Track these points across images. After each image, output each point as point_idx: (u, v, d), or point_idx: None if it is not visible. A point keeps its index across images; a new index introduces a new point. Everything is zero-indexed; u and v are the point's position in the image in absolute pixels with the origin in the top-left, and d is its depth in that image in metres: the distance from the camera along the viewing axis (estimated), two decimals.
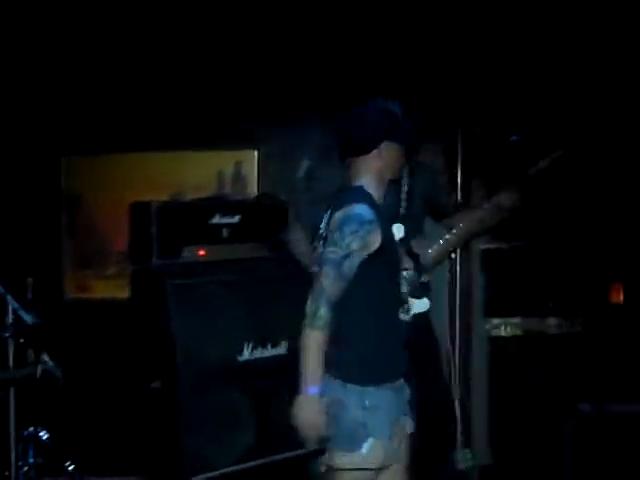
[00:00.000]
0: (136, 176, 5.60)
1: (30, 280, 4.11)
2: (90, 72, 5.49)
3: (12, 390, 3.62)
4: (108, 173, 5.64)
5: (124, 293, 5.17)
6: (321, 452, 3.50)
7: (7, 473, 3.79)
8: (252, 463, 4.45)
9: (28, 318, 3.76)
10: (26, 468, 4.00)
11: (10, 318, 3.85)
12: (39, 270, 4.76)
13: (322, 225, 3.44)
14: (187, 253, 4.64)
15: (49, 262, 5.45)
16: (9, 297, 3.76)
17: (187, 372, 4.34)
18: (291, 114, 5.54)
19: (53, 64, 5.46)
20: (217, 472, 4.33)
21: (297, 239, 4.59)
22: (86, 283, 5.65)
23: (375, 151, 3.38)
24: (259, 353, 4.54)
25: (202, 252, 4.71)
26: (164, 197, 4.98)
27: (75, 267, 5.66)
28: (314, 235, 3.52)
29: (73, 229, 5.66)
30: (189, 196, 5.08)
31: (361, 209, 3.26)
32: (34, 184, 5.45)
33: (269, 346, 4.58)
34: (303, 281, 3.57)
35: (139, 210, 4.81)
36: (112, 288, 5.51)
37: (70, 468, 4.24)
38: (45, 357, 2.97)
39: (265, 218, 4.91)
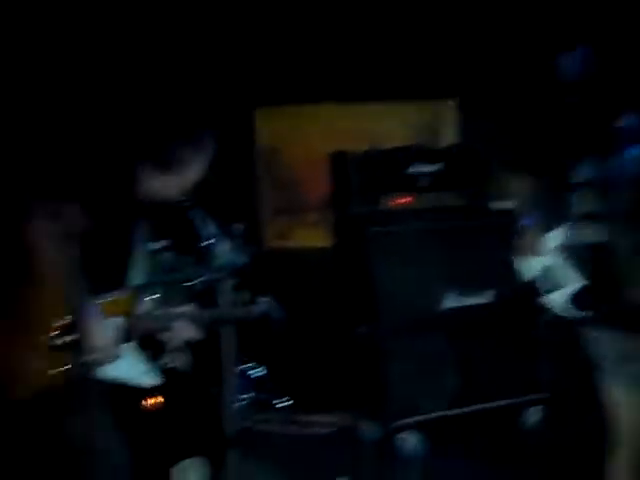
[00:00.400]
0: (332, 127, 5.62)
1: (239, 226, 4.20)
2: (284, 22, 5.52)
3: (230, 328, 3.76)
4: (304, 124, 5.69)
5: (324, 242, 5.31)
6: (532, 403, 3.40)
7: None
8: (455, 411, 4.44)
9: (240, 260, 3.84)
10: (241, 403, 4.15)
11: (223, 260, 3.96)
12: (239, 220, 4.86)
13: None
14: (385, 201, 4.66)
15: (248, 212, 5.56)
16: (223, 239, 3.85)
17: (390, 318, 4.38)
18: (488, 65, 5.37)
19: (246, 15, 5.52)
20: (420, 417, 4.35)
21: None
22: (287, 231, 5.74)
23: None
24: (462, 301, 4.50)
25: (401, 200, 4.72)
26: (360, 148, 4.96)
27: (275, 216, 5.76)
28: None
29: (271, 180, 5.77)
30: (385, 147, 5.04)
31: None
32: (230, 135, 5.55)
33: (473, 294, 4.52)
34: (504, 230, 3.50)
35: (339, 160, 4.87)
36: (313, 236, 5.56)
37: (283, 404, 4.36)
38: (265, 298, 3.01)
39: (464, 167, 4.83)
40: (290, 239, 5.68)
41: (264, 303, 2.94)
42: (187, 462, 3.47)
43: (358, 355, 4.53)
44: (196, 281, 3.69)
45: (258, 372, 4.35)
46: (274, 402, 4.39)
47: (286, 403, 4.40)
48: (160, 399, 3.46)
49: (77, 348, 2.31)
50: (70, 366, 2.32)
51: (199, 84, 5.10)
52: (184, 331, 2.67)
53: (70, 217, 2.35)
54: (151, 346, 3.79)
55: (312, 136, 5.63)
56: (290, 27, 5.45)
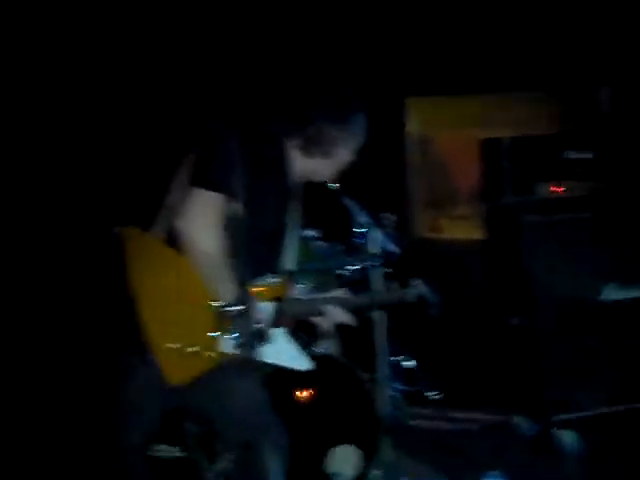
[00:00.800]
0: (480, 116, 5.52)
1: (390, 216, 4.17)
2: (437, 13, 5.47)
3: (383, 316, 3.75)
4: (454, 113, 5.61)
5: (474, 234, 5.21)
6: None
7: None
8: (613, 408, 4.24)
9: (394, 249, 3.82)
10: (394, 393, 4.14)
11: (374, 250, 3.95)
12: (389, 211, 4.83)
13: None
14: (541, 189, 4.51)
15: (398, 202, 5.53)
16: (376, 228, 3.84)
17: (546, 310, 4.23)
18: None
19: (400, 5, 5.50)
20: (578, 414, 4.19)
21: None
22: (436, 224, 5.69)
23: None
24: (622, 294, 4.29)
25: (557, 188, 4.55)
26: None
27: (425, 207, 5.72)
28: None
29: (422, 169, 5.71)
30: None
31: None
32: (380, 123, 5.53)
33: (633, 287, 4.30)
34: None
35: (490, 146, 4.74)
36: (462, 229, 5.49)
37: (435, 398, 4.32)
38: (417, 282, 2.96)
39: (617, 154, 4.61)
40: (440, 232, 5.62)
41: (419, 286, 2.87)
42: (340, 450, 3.51)
43: (512, 348, 4.41)
44: (348, 269, 3.71)
45: (409, 364, 4.33)
46: (425, 395, 4.35)
47: (437, 397, 4.35)
48: (312, 391, 3.50)
49: (239, 328, 2.35)
50: (232, 346, 2.36)
51: (353, 68, 5.11)
52: (335, 315, 2.65)
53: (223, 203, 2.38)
54: (303, 331, 3.85)
55: (463, 126, 5.54)
56: (444, 18, 5.38)
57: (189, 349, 2.35)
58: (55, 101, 4.85)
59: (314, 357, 3.55)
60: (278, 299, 2.50)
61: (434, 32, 5.39)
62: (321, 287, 3.70)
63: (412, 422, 4.44)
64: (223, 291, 2.36)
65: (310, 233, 3.91)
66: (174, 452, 3.48)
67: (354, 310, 2.71)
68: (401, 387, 4.29)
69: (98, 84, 4.90)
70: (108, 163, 4.86)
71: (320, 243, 3.92)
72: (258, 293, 2.45)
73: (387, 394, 4.05)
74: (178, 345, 2.33)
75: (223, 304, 2.35)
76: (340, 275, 3.74)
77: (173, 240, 2.37)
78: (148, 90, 4.97)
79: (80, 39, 4.85)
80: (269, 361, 2.48)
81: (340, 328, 4.11)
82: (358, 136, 2.62)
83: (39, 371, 4.32)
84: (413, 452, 4.03)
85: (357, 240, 4.05)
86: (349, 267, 3.68)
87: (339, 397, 3.48)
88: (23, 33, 4.74)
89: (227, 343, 2.37)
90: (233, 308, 2.34)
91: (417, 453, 4.06)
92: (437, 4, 5.35)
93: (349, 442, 3.44)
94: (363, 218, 3.92)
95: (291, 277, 2.67)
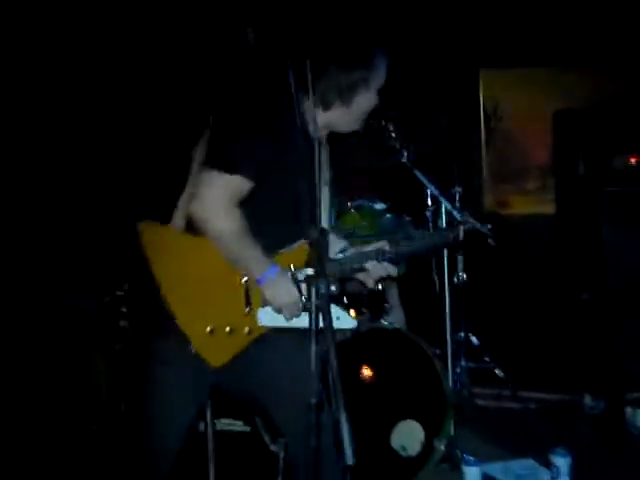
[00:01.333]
0: (551, 89, 5.38)
1: (458, 189, 4.10)
2: None
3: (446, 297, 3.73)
4: (525, 85, 5.48)
5: (545, 208, 5.11)
6: None
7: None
8: None
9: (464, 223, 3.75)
10: (458, 371, 4.09)
11: (443, 223, 3.89)
12: (459, 184, 4.76)
13: None
14: (618, 161, 4.37)
15: (469, 175, 5.44)
16: (443, 199, 3.78)
17: (618, 284, 4.10)
18: None
19: None
20: None
21: None
22: (506, 199, 5.60)
23: None
24: None
25: (633, 159, 4.41)
26: None
27: (495, 181, 5.63)
28: None
29: (491, 143, 5.61)
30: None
31: None
32: (453, 95, 5.45)
33: None
34: None
35: (563, 119, 4.62)
36: (532, 204, 5.39)
37: (501, 375, 4.25)
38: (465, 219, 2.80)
39: None
40: (510, 207, 5.52)
41: (467, 222, 2.70)
42: (405, 424, 3.48)
43: (582, 324, 4.30)
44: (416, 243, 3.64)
45: (475, 341, 4.26)
46: (492, 373, 4.26)
47: (502, 375, 4.26)
48: (378, 366, 3.46)
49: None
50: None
51: (426, 40, 5.02)
52: (377, 270, 2.52)
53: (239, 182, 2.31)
54: (371, 305, 3.81)
55: (534, 99, 5.41)
56: None
57: (226, 328, 2.32)
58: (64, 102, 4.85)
59: (383, 331, 3.58)
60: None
61: (507, 3, 5.27)
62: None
63: (477, 400, 4.38)
64: (250, 266, 2.31)
65: (379, 205, 3.86)
66: (237, 426, 3.49)
67: (397, 260, 2.55)
68: (466, 364, 4.23)
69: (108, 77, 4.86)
70: (125, 153, 4.81)
71: (388, 215, 3.87)
72: (291, 258, 2.37)
73: (453, 370, 4.02)
74: (212, 327, 2.30)
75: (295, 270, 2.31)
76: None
77: (191, 224, 2.33)
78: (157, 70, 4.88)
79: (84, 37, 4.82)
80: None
81: (406, 302, 4.12)
82: (377, 79, 2.48)
83: (68, 368, 4.27)
84: (478, 430, 3.99)
85: (425, 213, 4.01)
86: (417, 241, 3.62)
87: (406, 371, 3.44)
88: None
89: (262, 316, 2.35)
90: (303, 272, 2.31)
91: (482, 431, 4.00)
92: None
93: (415, 417, 3.40)
94: (433, 191, 3.87)
95: (323, 237, 2.54)
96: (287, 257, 2.39)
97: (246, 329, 2.35)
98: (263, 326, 2.36)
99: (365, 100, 2.49)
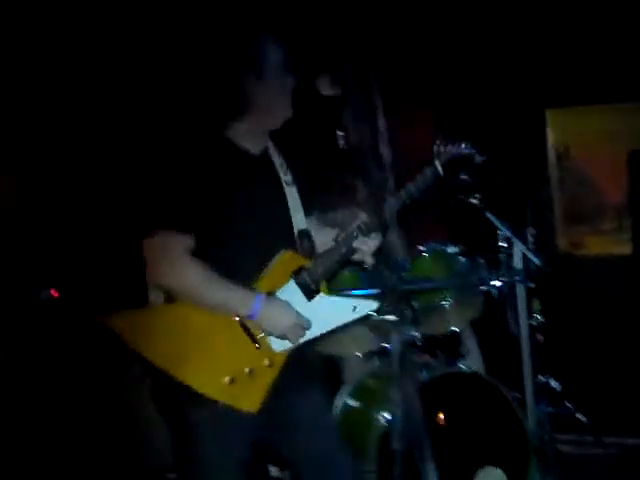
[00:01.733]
0: (625, 126, 5.29)
1: (532, 230, 4.04)
2: (569, 25, 5.32)
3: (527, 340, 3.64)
4: (596, 124, 5.40)
5: (622, 249, 5.00)
6: None
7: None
8: None
9: (537, 262, 3.69)
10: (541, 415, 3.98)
11: (516, 265, 3.82)
12: (532, 225, 4.70)
13: None
14: None
15: (540, 216, 5.36)
16: (517, 240, 3.73)
17: None
18: None
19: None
20: None
21: None
22: (580, 239, 5.48)
23: None
24: None
25: None
26: None
27: (568, 222, 5.52)
28: None
29: (564, 182, 5.53)
30: None
31: None
32: (521, 136, 5.41)
33: None
34: None
35: (638, 158, 4.57)
36: (608, 244, 5.27)
37: (583, 420, 4.12)
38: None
39: None
40: (585, 247, 5.40)
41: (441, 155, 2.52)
42: (487, 470, 3.39)
43: None
44: (493, 285, 3.60)
45: (555, 385, 4.15)
46: (573, 418, 4.14)
47: (584, 420, 4.13)
48: (456, 412, 3.38)
49: None
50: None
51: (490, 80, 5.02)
52: (366, 245, 2.46)
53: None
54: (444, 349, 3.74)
55: (605, 136, 5.33)
56: (584, 27, 5.21)
57: (244, 371, 2.27)
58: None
59: (460, 374, 3.51)
60: (301, 267, 2.39)
61: (574, 41, 5.23)
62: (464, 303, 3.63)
63: (559, 446, 4.25)
64: (234, 306, 2.29)
65: (451, 249, 3.83)
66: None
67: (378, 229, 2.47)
68: (547, 409, 4.12)
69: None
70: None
71: (461, 258, 3.83)
72: (274, 277, 2.35)
73: (534, 415, 3.91)
74: (230, 377, 2.26)
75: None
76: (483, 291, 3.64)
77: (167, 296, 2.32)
78: None
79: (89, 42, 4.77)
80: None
81: (484, 346, 4.04)
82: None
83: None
84: (561, 477, 3.87)
85: (499, 255, 3.95)
86: (493, 282, 3.57)
87: (485, 417, 3.37)
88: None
89: (274, 342, 2.31)
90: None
91: (565, 478, 3.88)
92: (578, 14, 5.19)
93: (497, 464, 3.32)
94: (505, 233, 3.82)
95: (306, 238, 2.51)
96: (269, 278, 2.36)
97: (265, 362, 2.31)
98: (281, 352, 2.33)
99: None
